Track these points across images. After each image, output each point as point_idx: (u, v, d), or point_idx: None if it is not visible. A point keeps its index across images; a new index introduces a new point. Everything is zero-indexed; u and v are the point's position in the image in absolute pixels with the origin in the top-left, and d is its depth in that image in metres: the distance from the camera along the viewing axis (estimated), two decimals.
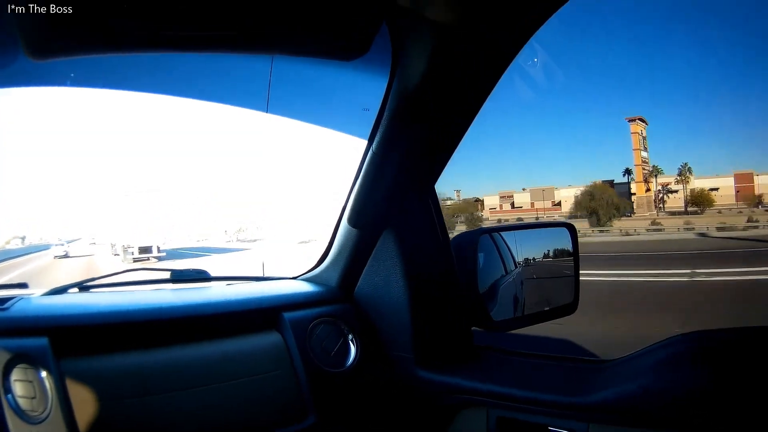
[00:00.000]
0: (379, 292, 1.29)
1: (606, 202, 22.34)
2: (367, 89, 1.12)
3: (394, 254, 1.25)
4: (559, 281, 1.30)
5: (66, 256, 25.16)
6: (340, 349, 1.23)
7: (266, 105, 1.20)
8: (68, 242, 30.04)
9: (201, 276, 1.42)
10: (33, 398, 0.97)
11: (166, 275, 1.41)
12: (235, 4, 0.81)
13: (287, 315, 1.22)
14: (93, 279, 1.40)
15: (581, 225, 20.68)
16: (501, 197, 30.87)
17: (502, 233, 1.27)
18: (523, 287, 1.27)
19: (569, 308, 1.26)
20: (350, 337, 1.25)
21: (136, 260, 18.47)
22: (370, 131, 1.11)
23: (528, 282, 1.28)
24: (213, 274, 1.45)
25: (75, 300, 1.30)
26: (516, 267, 1.27)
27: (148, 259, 19.07)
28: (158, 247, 19.78)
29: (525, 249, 1.27)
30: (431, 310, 1.23)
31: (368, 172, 1.15)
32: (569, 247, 1.28)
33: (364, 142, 1.14)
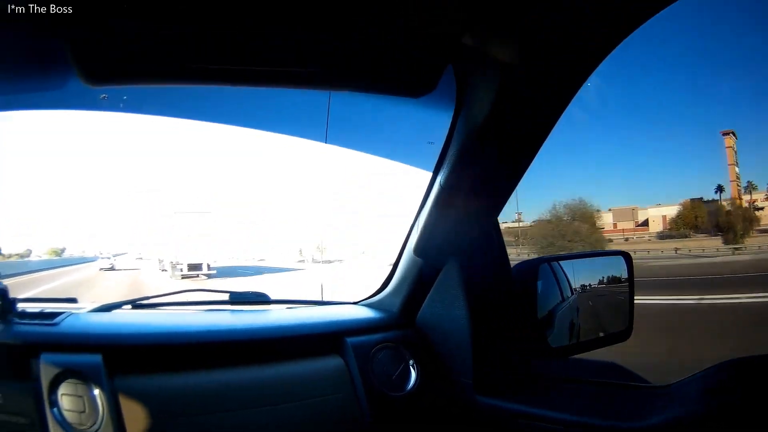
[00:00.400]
0: (441, 320, 1.31)
1: (741, 216, 19.55)
2: (432, 123, 1.17)
3: (457, 283, 1.26)
4: (613, 308, 1.32)
5: (112, 268, 25.09)
6: (401, 373, 1.25)
7: (325, 136, 1.27)
8: (114, 256, 30.08)
9: (261, 299, 1.46)
10: (82, 412, 0.99)
11: (225, 297, 1.43)
12: (313, 45, 0.88)
13: (350, 340, 1.24)
14: (148, 297, 1.46)
15: (709, 243, 19.23)
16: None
17: (560, 262, 1.30)
18: (578, 314, 1.29)
19: (623, 335, 1.28)
20: (411, 362, 1.26)
21: (184, 277, 17.60)
22: (434, 163, 1.15)
23: (583, 309, 1.30)
24: (268, 294, 1.45)
25: (129, 318, 1.35)
26: (572, 294, 1.29)
27: (198, 276, 17.90)
28: (208, 265, 18.63)
29: (581, 276, 1.29)
30: (491, 337, 1.24)
31: (435, 203, 1.18)
32: (624, 274, 1.31)
33: (427, 174, 1.20)
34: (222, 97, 1.20)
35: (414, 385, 1.24)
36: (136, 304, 1.41)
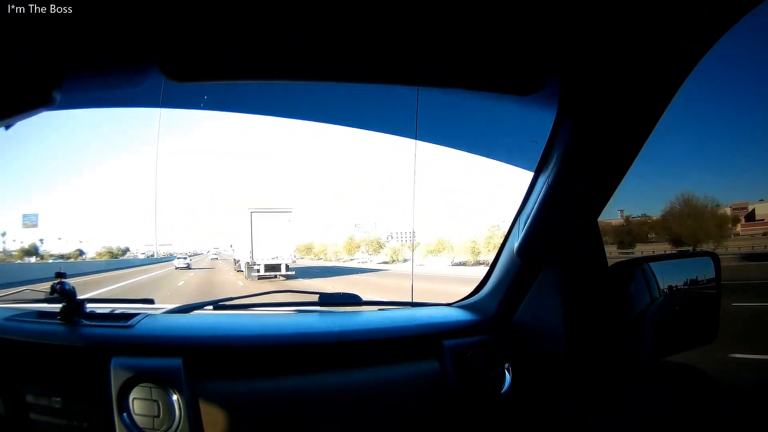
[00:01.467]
0: (538, 323, 1.25)
1: None
2: (533, 121, 1.13)
3: (557, 286, 1.22)
4: (700, 310, 1.28)
5: (188, 267, 26.04)
6: (496, 376, 1.20)
7: (415, 132, 1.21)
8: (190, 255, 32.32)
9: (352, 300, 1.42)
10: (155, 417, 0.98)
11: (315, 298, 1.40)
12: (429, 44, 0.86)
13: (447, 342, 1.20)
14: (231, 298, 1.43)
15: None
16: (733, 209, 22.04)
17: (650, 263, 1.25)
18: (666, 316, 1.25)
19: (709, 337, 1.25)
20: (506, 365, 1.22)
21: (261, 278, 16.28)
22: (536, 162, 1.13)
23: (671, 311, 1.27)
24: (359, 295, 1.41)
25: (211, 320, 1.31)
26: (659, 296, 1.24)
27: (276, 277, 16.53)
28: (287, 266, 17.14)
29: (668, 278, 1.25)
30: (586, 341, 1.19)
31: (538, 203, 1.13)
32: (712, 275, 1.27)
33: (525, 173, 1.18)
34: (308, 94, 1.16)
35: (508, 388, 1.19)
36: (218, 305, 1.40)
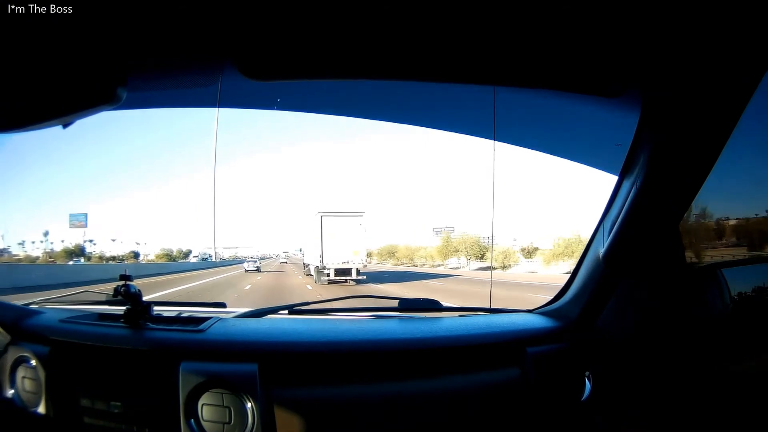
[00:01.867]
0: (620, 330, 1.22)
1: None
2: (615, 123, 1.10)
3: (642, 293, 1.19)
4: None
5: (257, 270, 26.79)
6: (575, 383, 1.17)
7: (493, 133, 1.16)
8: (260, 259, 33.70)
9: (432, 306, 1.39)
10: (225, 423, 0.97)
11: (393, 304, 1.40)
12: (509, 43, 0.83)
13: (531, 350, 1.17)
14: (307, 303, 1.47)
15: None
16: None
17: (727, 269, 1.20)
18: (745, 322, 1.18)
19: None
20: (586, 373, 1.20)
21: (331, 282, 15.97)
22: (620, 166, 1.10)
23: (741, 320, 1.19)
24: (439, 301, 1.39)
25: (287, 325, 1.29)
26: (731, 303, 1.18)
27: (346, 281, 16.20)
28: (358, 270, 16.67)
29: (744, 284, 1.18)
30: (668, 348, 1.17)
31: (626, 209, 1.09)
32: None
33: (607, 175, 1.16)
34: (382, 93, 1.11)
35: (588, 395, 1.15)
36: (293, 309, 1.39)
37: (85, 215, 42.75)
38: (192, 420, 0.98)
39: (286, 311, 1.39)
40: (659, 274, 1.17)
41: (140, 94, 1.13)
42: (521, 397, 1.10)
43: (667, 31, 0.81)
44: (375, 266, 23.83)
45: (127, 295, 1.21)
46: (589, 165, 1.27)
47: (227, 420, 0.97)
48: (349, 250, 16.33)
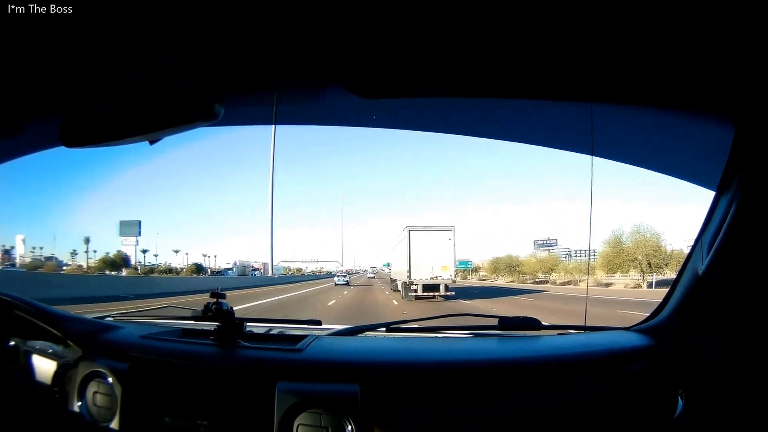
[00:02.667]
0: (717, 351, 1.15)
1: None
2: (711, 137, 1.10)
3: (742, 313, 1.11)
4: None
5: (347, 284, 27.70)
6: (669, 400, 1.14)
7: (591, 148, 1.18)
8: (350, 274, 34.53)
9: (532, 325, 1.33)
10: None
11: (491, 321, 1.35)
12: (604, 61, 0.84)
13: (628, 368, 1.14)
14: (405, 321, 1.40)
15: None
16: None
17: None
18: None
19: None
20: (680, 391, 1.16)
21: (418, 298, 15.59)
22: (717, 180, 1.08)
23: None
24: (539, 319, 1.35)
25: (387, 343, 1.29)
26: None
27: (434, 297, 15.74)
28: (446, 286, 16.09)
29: None
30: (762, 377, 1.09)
31: (727, 226, 1.05)
32: None
33: (703, 190, 1.15)
34: (476, 109, 1.12)
35: (680, 413, 1.11)
36: (391, 327, 1.36)
37: (138, 222, 41.43)
38: None
39: (384, 329, 1.36)
40: (761, 294, 1.12)
41: (235, 110, 1.13)
42: (617, 415, 1.08)
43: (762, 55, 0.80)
44: (461, 282, 23.17)
45: (219, 312, 1.19)
46: (683, 179, 1.24)
47: None
48: (438, 266, 15.98)
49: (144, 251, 40.13)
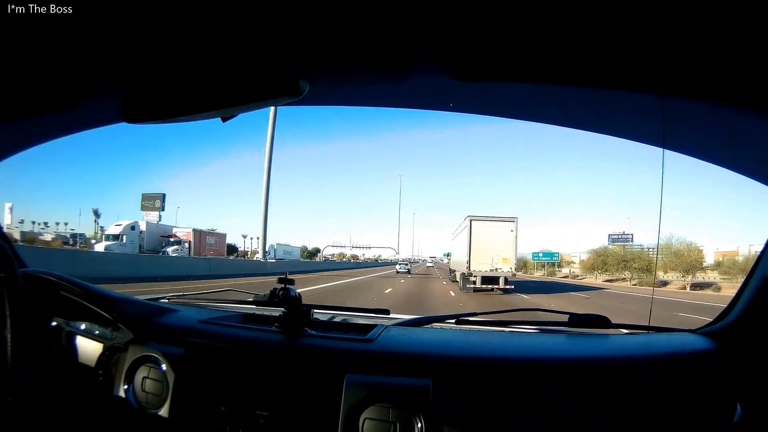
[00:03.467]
0: None
1: None
2: None
3: None
4: None
5: (408, 272, 28.89)
6: (729, 405, 1.10)
7: (662, 140, 1.18)
8: (411, 262, 36.55)
9: (601, 323, 1.32)
10: None
11: (562, 318, 1.35)
12: (675, 54, 0.83)
13: (690, 371, 1.12)
14: (474, 313, 1.41)
15: None
16: None
17: None
18: None
19: None
20: (739, 396, 1.12)
21: (476, 291, 15.46)
22: None
23: None
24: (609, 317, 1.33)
25: (458, 336, 1.27)
26: None
27: (492, 290, 15.47)
28: (506, 279, 15.80)
29: None
30: None
31: None
32: None
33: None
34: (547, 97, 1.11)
35: (738, 418, 1.07)
36: (461, 319, 1.35)
37: (163, 196, 37.53)
38: None
39: (453, 321, 1.34)
40: None
41: (320, 89, 1.09)
42: (678, 418, 1.07)
43: None
44: (520, 276, 22.83)
45: (286, 298, 1.16)
46: (755, 179, 1.20)
47: None
48: (499, 258, 15.75)
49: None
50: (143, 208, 37.28)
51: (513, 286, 15.92)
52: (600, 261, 31.21)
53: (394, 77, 0.94)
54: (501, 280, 15.59)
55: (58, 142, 1.40)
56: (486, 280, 15.60)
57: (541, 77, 0.91)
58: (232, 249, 44.96)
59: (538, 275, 36.57)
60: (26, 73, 0.95)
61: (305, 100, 0.91)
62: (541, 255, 36.38)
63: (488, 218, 16.63)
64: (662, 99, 1.00)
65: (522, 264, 33.71)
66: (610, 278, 28.87)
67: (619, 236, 38.23)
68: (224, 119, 0.91)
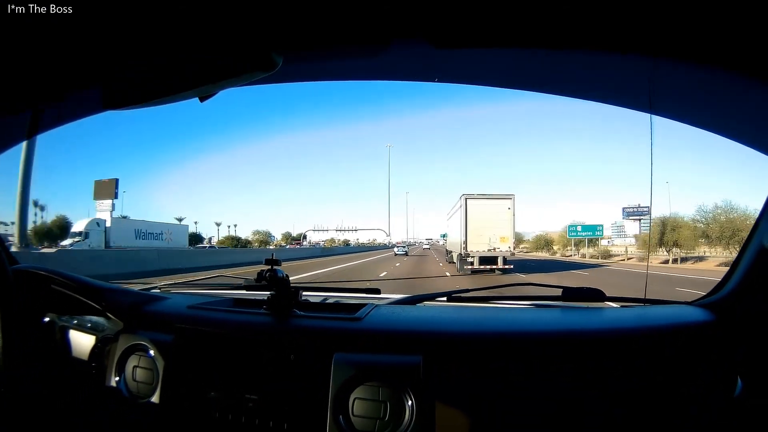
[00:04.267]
0: None
1: None
2: None
3: None
4: None
5: (405, 254, 29.51)
6: (729, 378, 1.08)
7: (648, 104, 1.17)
8: (408, 245, 36.32)
9: (596, 296, 1.31)
10: (378, 419, 0.91)
11: (553, 292, 1.33)
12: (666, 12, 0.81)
13: (688, 343, 1.10)
14: (466, 290, 1.37)
15: None
16: None
17: None
18: None
19: None
20: (739, 369, 1.10)
21: (474, 272, 14.92)
22: None
23: None
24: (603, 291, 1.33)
25: (449, 313, 1.24)
26: None
27: (492, 271, 14.99)
28: (505, 259, 15.26)
29: None
30: None
31: None
32: None
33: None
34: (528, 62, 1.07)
35: (739, 392, 1.06)
36: (452, 296, 1.33)
37: (115, 181, 33.85)
38: (341, 416, 0.92)
39: (445, 298, 1.34)
40: None
41: (296, 66, 1.06)
42: (677, 392, 1.03)
43: None
44: (518, 255, 22.70)
45: (273, 280, 1.14)
46: (747, 144, 1.14)
47: (381, 415, 0.90)
48: (496, 237, 15.32)
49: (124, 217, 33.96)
50: (96, 197, 34.18)
51: (512, 266, 15.54)
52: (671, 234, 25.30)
53: (372, 49, 0.92)
54: (499, 260, 15.17)
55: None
56: (484, 260, 15.17)
57: (526, 41, 0.88)
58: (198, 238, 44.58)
59: (542, 255, 35.65)
60: (18, 68, 0.96)
61: (280, 76, 0.90)
62: (579, 229, 29.17)
63: (484, 196, 16.12)
64: (651, 61, 0.96)
65: (517, 242, 31.99)
66: (684, 255, 25.12)
67: (635, 209, 35.67)
68: (202, 99, 0.89)
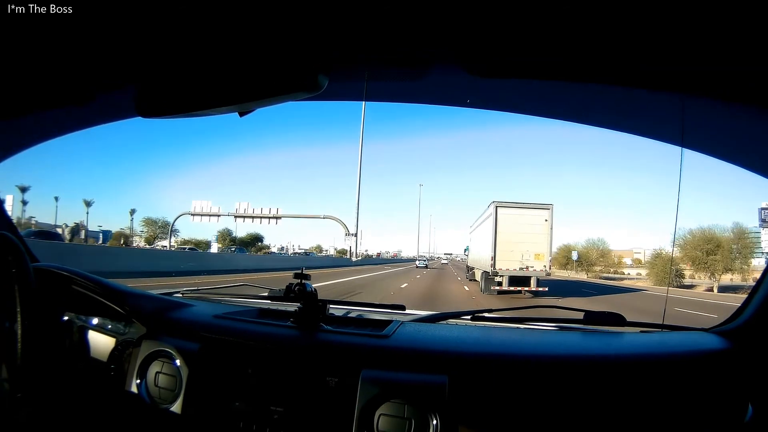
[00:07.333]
0: None
1: None
2: None
3: None
4: None
5: (426, 267, 29.76)
6: (741, 404, 1.03)
7: (680, 139, 1.16)
8: (429, 258, 41.54)
9: (616, 321, 1.30)
10: None
11: (579, 315, 1.31)
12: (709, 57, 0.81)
13: (704, 371, 1.07)
14: (490, 310, 1.36)
15: None
16: None
17: None
18: None
19: None
20: (751, 396, 1.08)
21: (501, 293, 12.93)
22: None
23: None
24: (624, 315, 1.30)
25: (474, 333, 1.22)
26: None
27: (521, 292, 12.93)
28: (538, 280, 13.12)
29: None
30: None
31: None
32: None
33: None
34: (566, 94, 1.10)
35: (749, 418, 1.02)
36: (476, 315, 1.32)
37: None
38: (366, 430, 0.91)
39: (469, 317, 1.33)
40: None
41: (339, 84, 1.06)
42: (690, 417, 1.00)
43: None
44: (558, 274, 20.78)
45: (302, 293, 1.15)
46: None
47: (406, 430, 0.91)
48: (530, 253, 13.39)
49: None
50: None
51: (547, 288, 13.42)
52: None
53: (413, 73, 0.95)
54: (533, 281, 13.23)
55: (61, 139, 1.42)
56: (514, 280, 13.26)
57: (560, 74, 0.89)
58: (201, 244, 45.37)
59: (582, 277, 32.66)
60: (43, 68, 0.96)
61: (323, 95, 0.88)
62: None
63: (518, 205, 14.10)
64: (681, 98, 0.97)
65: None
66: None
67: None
68: (241, 114, 0.88)
